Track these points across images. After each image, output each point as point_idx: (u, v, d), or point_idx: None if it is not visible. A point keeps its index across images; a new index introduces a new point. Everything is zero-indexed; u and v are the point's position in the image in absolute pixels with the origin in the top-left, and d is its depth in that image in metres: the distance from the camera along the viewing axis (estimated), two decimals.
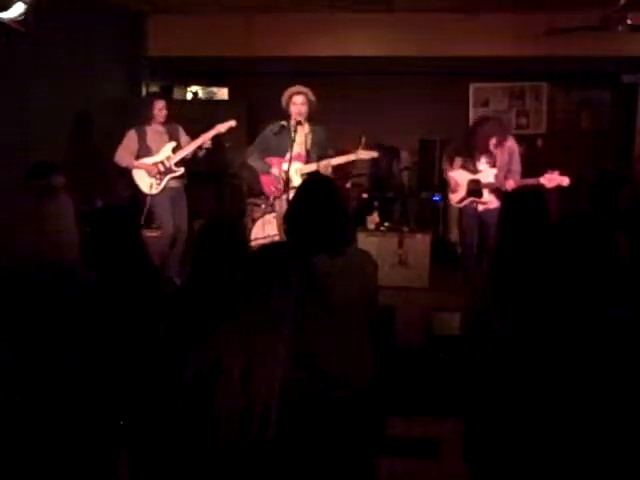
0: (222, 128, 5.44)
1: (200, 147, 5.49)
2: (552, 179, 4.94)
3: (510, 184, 5.03)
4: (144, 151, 5.45)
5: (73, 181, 3.79)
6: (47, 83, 5.47)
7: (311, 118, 5.11)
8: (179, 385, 1.42)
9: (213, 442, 1.35)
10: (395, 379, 3.76)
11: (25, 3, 4.03)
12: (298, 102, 5.00)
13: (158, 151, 5.47)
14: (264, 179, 5.27)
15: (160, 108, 5.44)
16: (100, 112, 6.10)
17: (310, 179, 3.02)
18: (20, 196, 2.51)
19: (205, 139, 5.45)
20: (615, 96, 7.86)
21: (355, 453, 1.41)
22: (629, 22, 5.24)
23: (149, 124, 5.47)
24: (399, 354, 4.28)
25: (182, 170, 5.49)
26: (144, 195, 5.46)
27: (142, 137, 5.46)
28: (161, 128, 5.52)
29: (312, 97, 5.04)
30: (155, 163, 5.44)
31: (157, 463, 1.42)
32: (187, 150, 5.46)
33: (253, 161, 5.26)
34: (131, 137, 5.45)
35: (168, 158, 5.45)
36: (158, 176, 5.44)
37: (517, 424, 1.92)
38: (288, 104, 5.04)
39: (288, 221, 2.58)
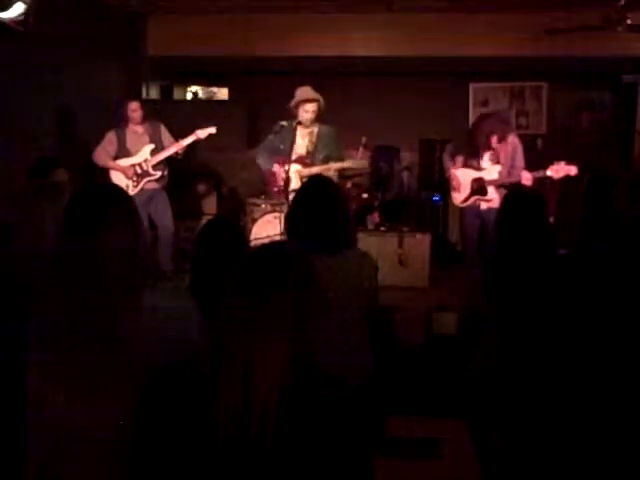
0: (201, 134, 5.44)
1: (177, 152, 5.49)
2: (559, 169, 4.89)
3: (526, 177, 5.00)
4: (122, 152, 5.46)
5: (73, 181, 3.79)
6: (47, 83, 5.47)
7: (318, 119, 5.04)
8: (178, 384, 1.42)
9: (212, 442, 1.35)
10: (395, 379, 3.75)
11: (25, 3, 4.04)
12: (310, 110, 4.94)
13: (136, 153, 5.46)
14: (270, 175, 5.24)
15: (134, 109, 5.44)
16: (100, 112, 6.09)
17: (312, 179, 3.04)
18: (20, 196, 2.51)
19: (183, 144, 5.44)
20: (615, 96, 7.86)
21: (354, 453, 1.41)
22: (629, 22, 5.24)
23: (127, 126, 5.48)
24: (399, 354, 4.28)
25: (159, 174, 5.49)
26: None
27: (121, 138, 5.46)
28: (141, 129, 5.51)
29: (323, 103, 4.97)
30: (132, 165, 5.44)
31: (157, 462, 1.41)
32: (165, 154, 5.45)
33: (260, 159, 5.23)
34: (109, 138, 5.46)
35: (146, 160, 5.45)
36: (135, 178, 5.44)
37: (521, 422, 1.92)
38: (298, 108, 4.97)
39: (289, 220, 2.59)
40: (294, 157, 5.00)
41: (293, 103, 4.99)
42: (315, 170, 4.91)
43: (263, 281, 1.41)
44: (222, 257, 2.37)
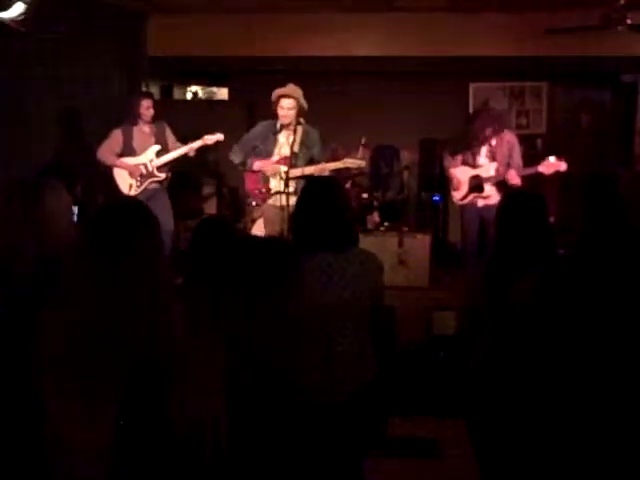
0: (209, 140, 5.39)
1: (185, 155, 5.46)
2: (549, 165, 4.95)
3: (512, 175, 5.04)
4: (128, 151, 5.41)
5: (73, 180, 3.79)
6: (47, 83, 5.47)
7: (303, 118, 4.88)
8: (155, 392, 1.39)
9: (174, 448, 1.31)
10: (395, 379, 3.76)
11: (25, 3, 4.03)
12: (285, 106, 4.77)
13: (142, 152, 5.42)
14: (248, 177, 5.10)
15: (147, 107, 5.40)
16: (100, 112, 6.09)
17: (316, 179, 3.06)
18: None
19: (191, 149, 5.41)
20: (615, 96, 7.86)
21: (337, 457, 1.37)
22: (629, 22, 5.23)
23: (136, 123, 5.43)
24: (399, 354, 4.28)
25: (163, 176, 5.45)
26: (121, 194, 5.42)
27: (127, 137, 5.42)
28: (147, 128, 5.47)
29: (303, 100, 4.80)
30: (137, 165, 5.40)
31: (151, 465, 1.40)
32: (170, 156, 5.42)
33: (233, 155, 5.06)
34: (116, 136, 5.41)
35: (151, 161, 5.41)
36: (139, 178, 5.40)
37: (518, 422, 1.91)
38: (276, 105, 4.84)
39: (295, 220, 2.61)
40: (277, 158, 4.91)
41: (272, 101, 4.84)
42: (309, 171, 4.81)
43: (215, 279, 1.36)
44: (214, 256, 2.35)
